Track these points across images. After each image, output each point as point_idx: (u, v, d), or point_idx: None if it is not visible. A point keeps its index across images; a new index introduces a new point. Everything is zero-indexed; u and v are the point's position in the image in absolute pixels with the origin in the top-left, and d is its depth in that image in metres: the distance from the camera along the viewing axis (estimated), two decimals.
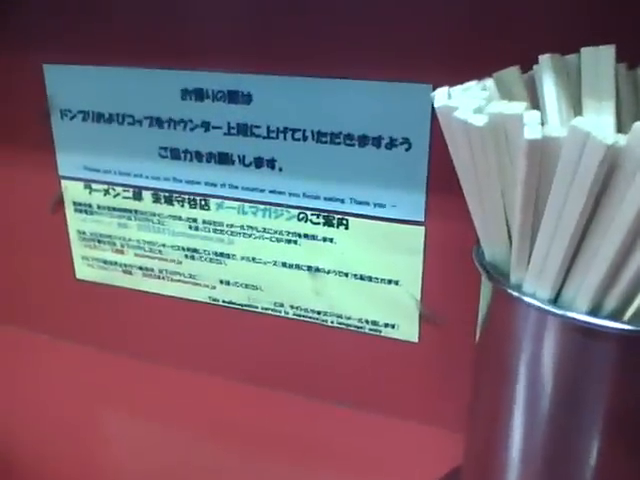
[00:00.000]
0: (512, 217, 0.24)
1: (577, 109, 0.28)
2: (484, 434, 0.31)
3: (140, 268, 0.47)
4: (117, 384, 0.48)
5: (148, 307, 0.48)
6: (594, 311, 0.23)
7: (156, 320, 0.48)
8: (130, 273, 0.48)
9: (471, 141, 0.23)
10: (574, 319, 0.23)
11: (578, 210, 0.20)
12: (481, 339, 0.29)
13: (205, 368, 0.48)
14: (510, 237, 0.25)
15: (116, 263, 0.48)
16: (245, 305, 0.45)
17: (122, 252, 0.48)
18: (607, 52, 0.27)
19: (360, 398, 0.44)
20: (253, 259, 0.44)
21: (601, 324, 0.23)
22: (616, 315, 0.23)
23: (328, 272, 0.42)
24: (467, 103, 0.23)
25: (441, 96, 0.25)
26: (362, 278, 0.41)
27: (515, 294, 0.25)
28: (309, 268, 0.42)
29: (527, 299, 0.24)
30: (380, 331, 0.42)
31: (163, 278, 0.47)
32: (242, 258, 0.44)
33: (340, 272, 0.42)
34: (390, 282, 0.41)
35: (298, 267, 0.42)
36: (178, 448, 0.42)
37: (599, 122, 0.27)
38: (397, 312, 0.41)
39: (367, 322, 0.42)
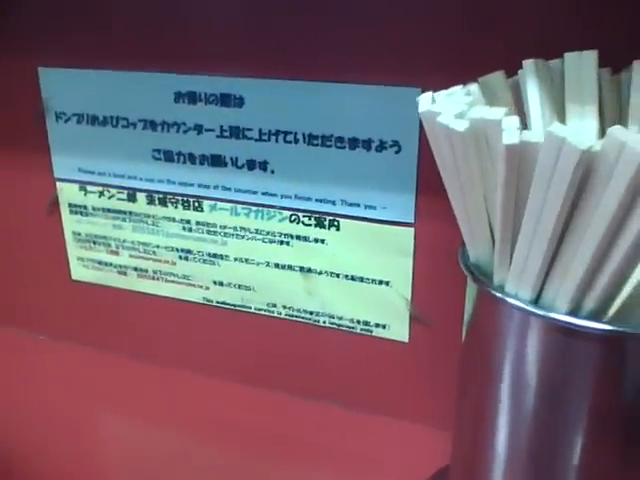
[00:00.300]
0: (494, 219, 0.24)
1: (561, 114, 0.28)
2: (470, 432, 0.31)
3: (135, 269, 0.48)
4: (113, 383, 0.49)
5: (143, 307, 0.49)
6: (574, 312, 0.23)
7: (151, 320, 0.49)
8: (125, 274, 0.48)
9: (453, 145, 0.24)
10: (555, 319, 0.24)
11: (555, 214, 0.21)
12: (467, 339, 0.30)
13: (199, 368, 0.48)
14: (493, 239, 0.25)
15: (111, 264, 0.49)
16: (238, 305, 0.46)
17: (117, 253, 0.48)
18: (590, 57, 0.28)
19: (351, 397, 0.45)
20: (246, 260, 0.44)
21: (581, 324, 0.23)
22: (596, 316, 0.23)
23: (320, 273, 0.42)
24: (449, 108, 0.24)
25: (425, 101, 0.25)
26: (353, 279, 0.42)
27: (498, 295, 0.25)
28: (301, 269, 0.43)
29: (509, 300, 0.25)
30: (371, 331, 0.43)
31: (157, 279, 0.47)
32: (235, 259, 0.44)
33: (332, 273, 0.42)
34: (381, 283, 0.41)
35: (290, 268, 0.43)
36: (171, 446, 0.43)
37: (582, 127, 0.28)
38: (388, 312, 0.42)
39: (358, 322, 0.43)
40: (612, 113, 0.29)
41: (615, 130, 0.19)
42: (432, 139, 0.25)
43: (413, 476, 0.39)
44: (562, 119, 0.28)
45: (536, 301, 0.24)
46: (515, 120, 0.21)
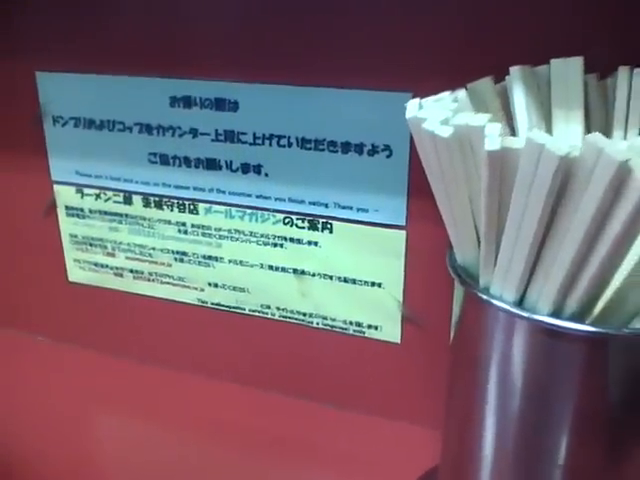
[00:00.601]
0: (479, 223, 0.25)
1: (547, 119, 0.29)
2: (458, 433, 0.32)
3: (131, 271, 0.48)
4: (109, 384, 0.49)
5: (139, 309, 0.49)
6: (556, 313, 0.24)
7: (147, 321, 0.49)
8: (121, 276, 0.49)
9: (439, 151, 0.24)
10: (537, 321, 0.24)
11: (536, 218, 0.21)
12: (455, 340, 0.31)
13: (194, 369, 0.49)
14: (479, 242, 0.26)
15: (107, 266, 0.49)
16: (233, 307, 0.46)
17: (113, 255, 0.49)
18: (576, 63, 0.28)
19: (344, 398, 0.45)
20: (240, 262, 0.45)
21: (563, 325, 0.24)
22: (579, 317, 0.24)
23: (313, 275, 0.43)
24: (435, 114, 0.24)
25: (412, 107, 0.26)
26: (346, 281, 0.42)
27: (482, 296, 0.26)
28: (295, 271, 0.43)
29: (493, 301, 0.25)
30: (364, 332, 0.43)
31: (153, 280, 0.48)
32: (230, 261, 0.45)
33: (325, 275, 0.43)
34: (373, 284, 0.42)
35: (284, 270, 0.44)
36: (166, 445, 0.44)
37: (568, 132, 0.28)
38: (380, 314, 0.42)
39: (351, 323, 0.43)
40: (598, 118, 0.29)
41: (593, 137, 0.20)
42: (419, 144, 0.26)
43: (405, 476, 0.39)
44: (549, 124, 0.29)
45: (520, 303, 0.25)
46: (497, 127, 0.22)
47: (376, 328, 0.43)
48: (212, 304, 0.47)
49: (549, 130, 0.28)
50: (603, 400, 0.26)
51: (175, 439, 0.44)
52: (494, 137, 0.21)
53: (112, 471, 0.42)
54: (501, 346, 0.27)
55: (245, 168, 0.42)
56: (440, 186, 0.26)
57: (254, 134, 0.41)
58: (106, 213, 0.47)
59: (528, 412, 0.28)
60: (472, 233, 0.26)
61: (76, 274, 0.51)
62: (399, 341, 0.42)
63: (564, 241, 0.21)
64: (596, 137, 0.20)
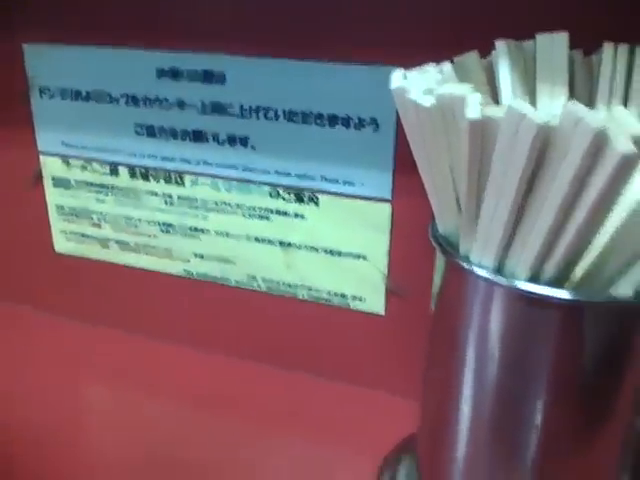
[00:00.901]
0: (460, 192, 0.25)
1: (532, 94, 0.29)
2: (436, 400, 0.32)
3: (117, 242, 0.49)
4: (94, 354, 0.50)
5: (125, 280, 0.50)
6: (534, 280, 0.24)
7: (132, 292, 0.50)
8: (107, 247, 0.49)
9: (421, 121, 0.24)
10: (515, 287, 0.25)
11: (515, 186, 0.22)
12: (436, 310, 0.31)
13: (180, 339, 0.49)
14: (460, 211, 0.26)
15: (93, 237, 0.49)
16: (219, 278, 0.47)
17: (99, 226, 0.49)
18: (561, 39, 0.29)
19: (328, 368, 0.46)
20: (226, 234, 0.45)
21: (540, 292, 0.24)
22: (556, 284, 0.25)
23: (299, 247, 0.43)
24: (419, 85, 0.24)
25: (397, 78, 0.26)
26: (331, 253, 0.43)
27: (461, 263, 0.26)
28: (280, 243, 0.44)
29: (472, 268, 0.26)
30: (348, 304, 0.44)
31: (139, 251, 0.48)
32: (216, 233, 0.45)
33: (310, 247, 0.43)
34: (358, 257, 0.42)
35: (270, 242, 0.44)
36: (149, 414, 0.44)
37: (552, 106, 0.29)
38: (365, 286, 0.43)
39: (336, 295, 0.44)
40: (583, 94, 0.30)
41: (571, 105, 0.20)
42: (402, 115, 0.26)
43: (388, 443, 0.40)
44: (533, 99, 0.29)
45: (499, 270, 0.25)
46: (478, 97, 0.22)
47: (360, 300, 0.43)
48: (198, 275, 0.47)
49: (533, 104, 0.29)
50: (579, 366, 0.27)
51: (159, 408, 0.45)
52: (475, 106, 0.22)
53: (96, 439, 0.43)
54: (480, 313, 0.27)
55: (232, 140, 0.42)
56: (422, 155, 0.26)
57: (241, 106, 0.41)
58: (92, 184, 0.48)
59: (505, 379, 0.28)
60: (453, 202, 0.27)
61: (62, 245, 0.51)
62: (383, 313, 0.43)
63: (542, 209, 0.22)
64: (575, 106, 0.20)
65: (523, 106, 0.21)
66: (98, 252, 0.50)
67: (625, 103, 0.28)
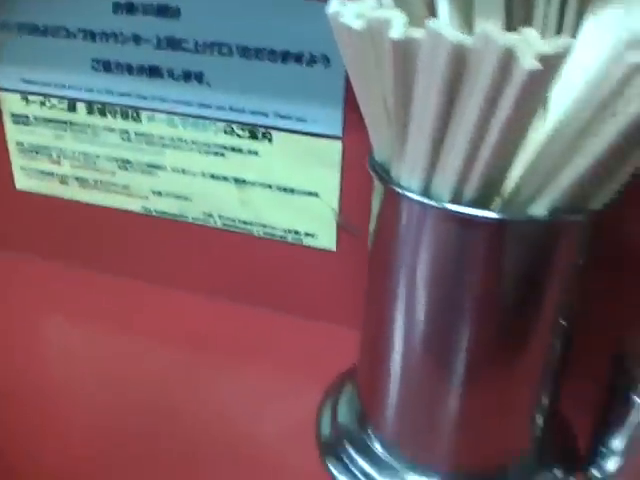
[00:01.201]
0: (391, 117, 0.26)
1: (470, 24, 0.30)
2: (373, 327, 0.34)
3: (76, 179, 0.49)
4: (53, 290, 0.50)
5: (85, 217, 0.50)
6: (456, 200, 0.26)
7: (92, 229, 0.51)
8: (67, 183, 0.50)
9: (354, 45, 0.25)
10: (439, 207, 0.26)
11: (434, 106, 0.23)
12: (372, 238, 0.32)
13: (139, 276, 0.50)
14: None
15: (53, 174, 0.50)
16: (176, 215, 0.47)
17: (58, 163, 0.49)
18: None
19: (284, 302, 0.47)
20: (183, 171, 0.46)
21: (461, 211, 0.26)
22: (479, 204, 0.26)
23: (253, 184, 0.44)
24: (353, 9, 0.25)
25: (334, 4, 0.27)
26: (285, 190, 0.44)
27: (392, 187, 0.27)
28: (235, 180, 0.45)
29: (401, 190, 0.27)
30: (302, 240, 0.45)
31: (98, 188, 0.49)
32: (172, 169, 0.46)
33: (264, 184, 0.44)
34: (310, 194, 0.43)
35: (225, 179, 0.45)
36: (110, 350, 0.45)
37: None
38: (317, 222, 0.44)
39: (290, 232, 0.45)
40: (520, 16, 0.30)
41: (485, 26, 0.21)
42: (338, 41, 0.27)
43: (338, 372, 0.42)
44: (471, 29, 0.30)
45: (426, 193, 0.27)
46: (404, 18, 0.23)
47: (313, 236, 0.44)
48: (156, 212, 0.48)
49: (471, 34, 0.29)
50: (503, 286, 0.28)
51: (120, 344, 0.46)
52: (399, 27, 0.22)
53: (64, 377, 0.44)
54: (408, 235, 0.29)
55: (187, 76, 0.42)
56: (357, 81, 0.27)
57: (196, 42, 0.41)
58: (51, 121, 0.48)
59: (435, 300, 0.30)
60: (386, 128, 0.28)
61: (23, 182, 0.51)
62: (335, 249, 0.44)
63: (459, 129, 0.23)
64: (487, 26, 0.21)
65: (441, 26, 0.21)
66: (58, 189, 0.50)
67: (559, 30, 0.29)
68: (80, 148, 0.48)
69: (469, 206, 0.25)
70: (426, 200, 0.26)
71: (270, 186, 0.44)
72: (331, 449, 0.37)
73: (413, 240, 0.29)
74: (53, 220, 0.52)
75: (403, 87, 0.24)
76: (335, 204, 0.43)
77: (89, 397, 0.41)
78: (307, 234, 0.44)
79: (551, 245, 0.27)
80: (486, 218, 0.25)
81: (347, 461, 0.36)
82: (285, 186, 0.43)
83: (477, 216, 0.25)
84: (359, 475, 0.35)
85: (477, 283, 0.28)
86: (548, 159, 0.24)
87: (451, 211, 0.26)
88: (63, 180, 0.50)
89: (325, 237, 0.44)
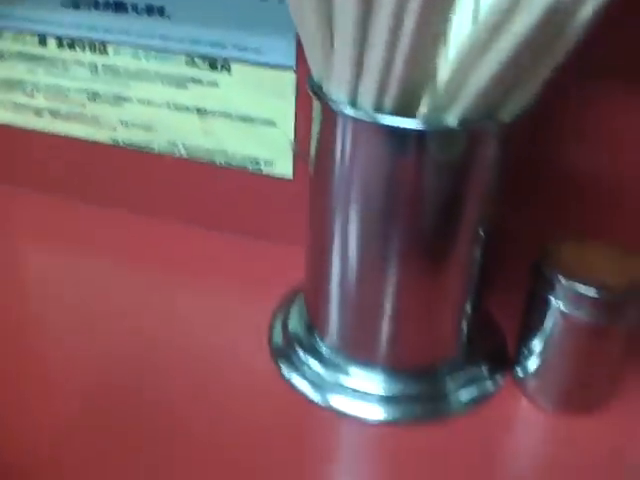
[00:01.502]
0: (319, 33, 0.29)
1: None
2: (315, 239, 0.37)
3: (49, 111, 0.52)
4: (27, 219, 0.53)
5: (58, 147, 0.53)
6: (378, 109, 0.28)
7: (65, 159, 0.53)
8: (41, 115, 0.52)
9: None
10: (359, 118, 0.29)
11: (353, 12, 0.25)
12: (312, 158, 0.35)
13: (108, 204, 0.53)
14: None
15: (28, 106, 0.52)
16: (143, 146, 0.50)
17: (32, 96, 0.52)
18: None
19: (245, 226, 0.50)
20: (148, 102, 0.48)
21: (383, 122, 0.28)
22: (400, 114, 0.28)
23: (214, 114, 0.47)
24: None
25: None
26: (244, 119, 0.46)
27: (322, 100, 0.30)
28: (198, 110, 0.47)
29: (328, 102, 0.30)
30: (261, 169, 0.48)
31: (70, 120, 0.51)
32: (138, 101, 0.48)
33: (225, 114, 0.47)
34: (268, 123, 0.46)
35: (187, 109, 0.47)
36: (77, 274, 0.48)
37: None
38: (274, 151, 0.47)
39: (250, 161, 0.48)
40: None
41: None
42: None
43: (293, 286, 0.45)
44: None
45: (353, 105, 0.29)
46: None
47: (271, 164, 0.47)
48: (124, 143, 0.51)
49: None
50: (425, 194, 0.31)
51: (88, 266, 0.49)
52: None
53: (37, 305, 0.46)
54: (337, 149, 0.31)
55: (150, 10, 0.45)
56: (292, 4, 0.30)
57: None
58: (24, 55, 0.50)
59: (365, 210, 0.32)
60: (319, 48, 0.30)
61: (0, 115, 0.54)
62: (292, 177, 0.47)
63: (375, 37, 0.26)
64: None
65: None
66: (32, 121, 0.53)
67: None
68: (52, 81, 0.50)
69: (391, 115, 0.28)
70: (346, 110, 0.29)
71: (230, 116, 0.46)
72: (282, 352, 0.40)
73: (342, 152, 0.31)
74: (28, 151, 0.54)
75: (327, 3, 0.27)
76: (291, 133, 0.45)
77: (67, 316, 0.44)
78: (266, 162, 0.47)
79: (466, 154, 0.30)
80: (399, 128, 0.28)
81: (296, 361, 0.39)
82: (244, 116, 0.46)
83: (389, 125, 0.28)
84: (307, 372, 0.39)
85: (400, 193, 0.31)
86: (464, 61, 0.26)
87: (367, 121, 0.28)
88: (37, 112, 0.52)
89: (282, 165, 0.47)
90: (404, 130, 0.29)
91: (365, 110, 0.29)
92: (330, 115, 0.31)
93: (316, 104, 0.33)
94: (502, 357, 0.40)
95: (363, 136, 0.30)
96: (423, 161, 0.30)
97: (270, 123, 0.46)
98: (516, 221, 0.36)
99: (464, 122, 0.28)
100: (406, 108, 0.29)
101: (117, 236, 0.51)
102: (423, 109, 0.28)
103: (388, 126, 0.29)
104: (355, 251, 0.34)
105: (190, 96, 0.47)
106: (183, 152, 0.49)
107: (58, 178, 0.54)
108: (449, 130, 0.29)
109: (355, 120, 0.30)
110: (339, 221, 0.34)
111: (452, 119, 0.28)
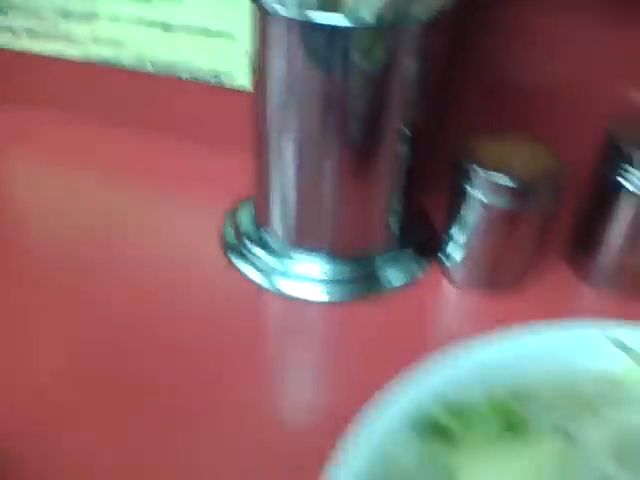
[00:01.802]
0: None
1: None
2: (260, 143, 0.40)
3: (25, 30, 0.54)
4: (12, 134, 0.57)
5: (36, 65, 0.55)
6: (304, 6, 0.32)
7: (42, 76, 0.56)
8: (17, 35, 0.55)
9: None
10: (281, 15, 0.32)
11: None
12: (253, 63, 0.38)
13: (84, 120, 0.56)
14: None
15: (4, 26, 0.55)
16: (112, 62, 0.53)
17: (6, 14, 0.54)
18: None
19: (210, 137, 0.53)
20: (116, 18, 0.51)
21: (304, 18, 0.32)
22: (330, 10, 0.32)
23: (179, 29, 0.50)
24: None
25: None
26: (206, 34, 0.49)
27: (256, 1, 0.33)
28: (162, 25, 0.50)
29: (259, 2, 0.33)
30: (222, 82, 0.51)
31: (44, 37, 0.54)
32: (107, 18, 0.51)
33: (188, 28, 0.49)
34: (228, 36, 0.49)
35: (152, 24, 0.50)
36: (60, 182, 0.52)
37: None
38: (234, 64, 0.50)
39: (211, 74, 0.51)
40: None
41: None
42: None
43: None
44: None
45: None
46: None
47: (231, 77, 0.50)
48: (96, 60, 0.54)
49: None
50: (352, 91, 0.34)
51: (67, 179, 0.52)
52: None
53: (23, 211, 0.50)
54: (271, 49, 0.35)
55: None
56: None
57: None
58: None
59: (300, 109, 0.36)
60: None
61: None
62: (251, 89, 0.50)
63: None
64: None
65: None
66: (10, 41, 0.55)
67: None
68: (26, 2, 0.53)
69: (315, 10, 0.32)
70: (270, 7, 0.32)
71: (193, 31, 0.49)
72: (234, 247, 0.44)
73: (274, 54, 0.35)
74: (11, 70, 0.57)
75: None
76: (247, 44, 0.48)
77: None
78: (226, 75, 0.50)
79: (387, 52, 0.33)
80: (321, 24, 0.31)
81: (247, 254, 0.43)
82: (205, 29, 0.49)
83: (312, 21, 0.31)
84: (257, 262, 0.43)
85: (329, 92, 0.35)
86: None
87: (290, 17, 0.32)
88: (14, 32, 0.55)
89: (242, 77, 0.50)
90: (326, 27, 0.32)
91: (290, 6, 0.32)
92: (262, 17, 0.34)
93: (252, 7, 0.36)
94: (430, 247, 0.44)
95: (291, 36, 0.33)
96: (347, 60, 0.33)
97: (230, 36, 0.49)
98: (447, 125, 0.40)
99: (379, 18, 0.32)
100: (329, 6, 0.32)
101: (95, 148, 0.55)
102: (345, 5, 0.32)
103: (311, 22, 0.32)
104: (294, 151, 0.38)
105: (155, 11, 0.49)
106: (150, 68, 0.52)
107: (35, 94, 0.57)
108: (367, 26, 0.32)
109: (282, 19, 0.33)
110: (278, 124, 0.38)
111: (370, 16, 0.32)
